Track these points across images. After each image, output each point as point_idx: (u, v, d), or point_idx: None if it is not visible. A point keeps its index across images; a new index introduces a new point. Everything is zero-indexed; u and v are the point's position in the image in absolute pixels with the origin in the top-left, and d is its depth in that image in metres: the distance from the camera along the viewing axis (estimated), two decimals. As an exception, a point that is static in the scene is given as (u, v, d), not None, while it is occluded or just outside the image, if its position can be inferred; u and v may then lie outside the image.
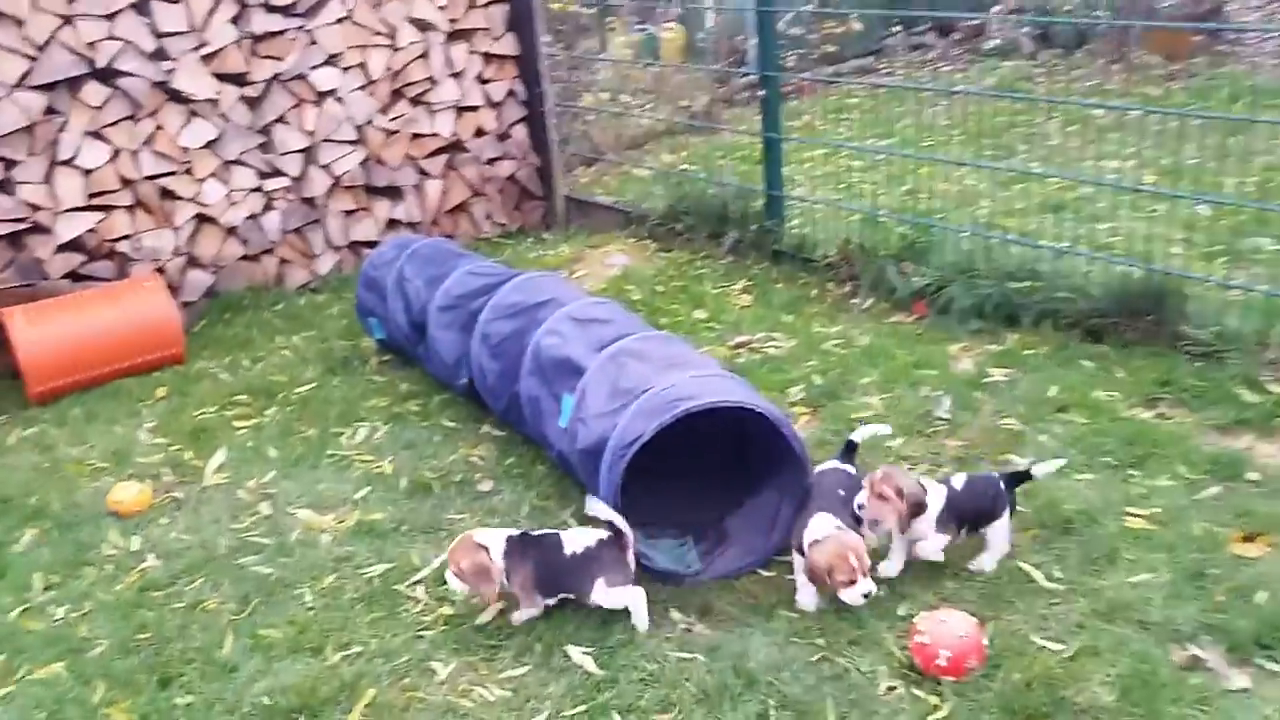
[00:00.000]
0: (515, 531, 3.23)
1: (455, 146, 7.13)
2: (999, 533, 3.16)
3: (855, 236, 5.75)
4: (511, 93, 7.33)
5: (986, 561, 3.17)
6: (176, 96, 5.88)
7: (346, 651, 3.14)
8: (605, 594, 3.06)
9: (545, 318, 4.17)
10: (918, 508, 3.03)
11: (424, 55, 6.81)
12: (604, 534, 3.12)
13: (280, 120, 6.32)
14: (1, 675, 3.15)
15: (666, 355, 3.69)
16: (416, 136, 6.91)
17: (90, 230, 5.71)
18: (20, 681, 3.12)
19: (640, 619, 3.08)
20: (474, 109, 7.15)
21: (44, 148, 5.50)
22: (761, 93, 6.09)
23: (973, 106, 7.40)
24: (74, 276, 5.71)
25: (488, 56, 7.13)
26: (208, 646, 3.20)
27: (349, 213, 6.75)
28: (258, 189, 6.32)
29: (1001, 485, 3.18)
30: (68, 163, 5.59)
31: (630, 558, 3.11)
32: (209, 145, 6.06)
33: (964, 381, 4.45)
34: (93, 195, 5.70)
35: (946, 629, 2.78)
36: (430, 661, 3.07)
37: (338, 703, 2.92)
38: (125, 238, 5.85)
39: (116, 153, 5.74)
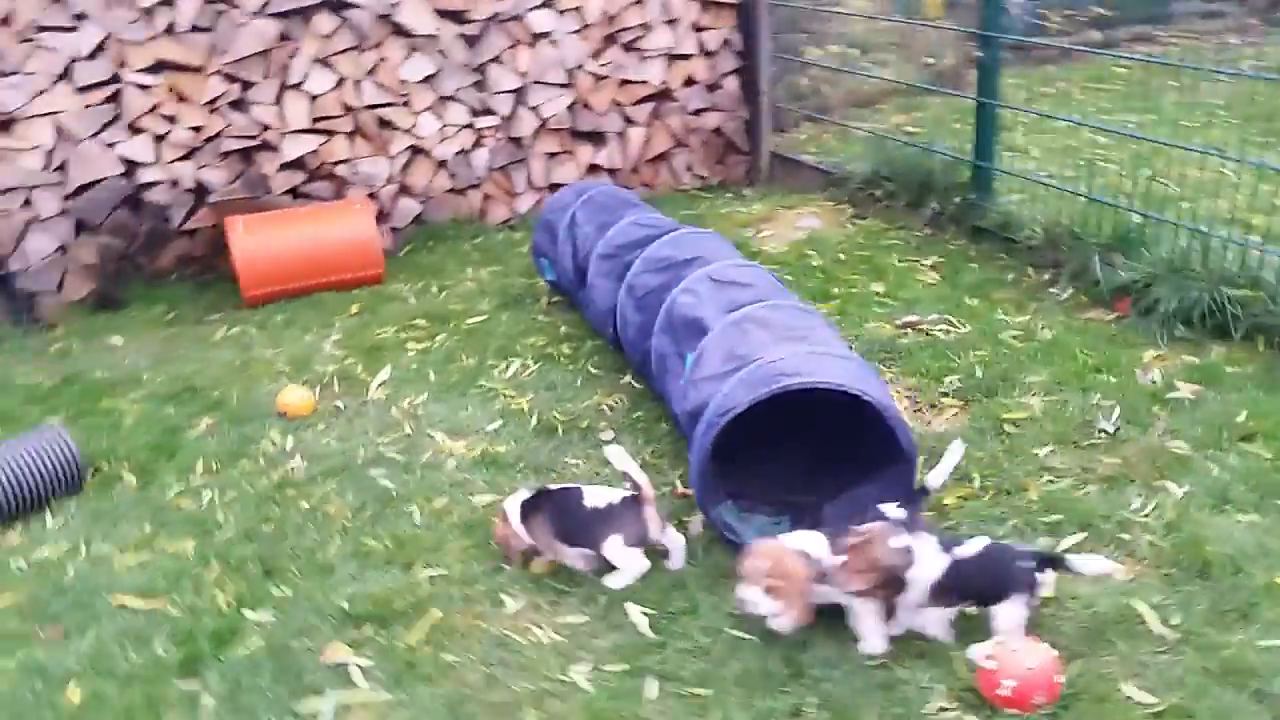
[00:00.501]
0: (529, 492, 3.27)
1: (663, 95, 7.11)
2: (1007, 618, 2.65)
3: (1068, 219, 5.23)
4: (726, 42, 7.20)
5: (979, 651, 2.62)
6: (399, 30, 6.22)
7: (432, 571, 3.28)
8: (617, 551, 3.08)
9: (689, 275, 4.11)
10: (895, 585, 2.66)
11: (640, 1, 6.80)
12: (627, 492, 3.13)
13: (495, 60, 6.54)
14: (143, 543, 3.55)
15: (791, 326, 3.54)
16: (625, 83, 6.95)
17: (312, 152, 6.19)
18: (155, 552, 3.49)
19: (618, 580, 3.11)
20: (686, 57, 7.09)
21: (276, 72, 5.99)
22: (978, 54, 5.63)
23: (1259, 87, 6.50)
24: (294, 193, 6.22)
25: (705, 3, 7.04)
26: (315, 547, 3.45)
27: (552, 155, 6.91)
28: (469, 125, 6.60)
29: (1023, 563, 2.69)
30: (296, 87, 6.06)
31: (648, 516, 3.10)
32: (427, 80, 6.38)
33: (1145, 394, 3.98)
34: (317, 120, 6.15)
35: (1016, 658, 2.52)
36: (503, 594, 3.16)
37: (406, 617, 3.06)
38: (343, 162, 6.30)
39: (341, 81, 6.16)
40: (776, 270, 5.49)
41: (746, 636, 2.87)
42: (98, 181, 5.73)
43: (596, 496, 3.18)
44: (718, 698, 2.66)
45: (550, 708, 2.71)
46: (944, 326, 4.76)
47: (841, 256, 5.76)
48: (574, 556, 3.21)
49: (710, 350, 3.56)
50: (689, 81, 7.16)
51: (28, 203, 5.60)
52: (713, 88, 7.26)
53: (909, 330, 4.79)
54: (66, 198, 5.68)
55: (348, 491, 3.80)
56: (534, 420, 4.24)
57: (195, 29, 5.74)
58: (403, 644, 2.95)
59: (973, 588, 2.70)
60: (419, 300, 5.71)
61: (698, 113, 7.27)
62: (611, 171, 7.10)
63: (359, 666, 2.89)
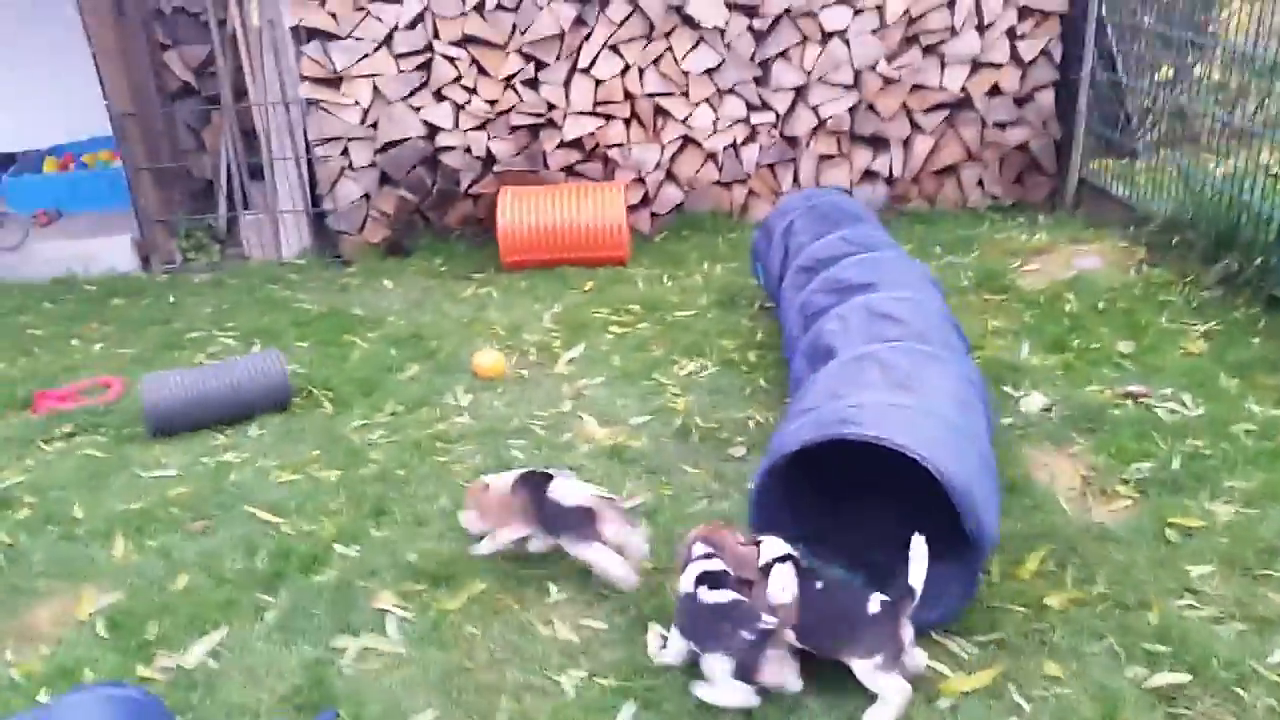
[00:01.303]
0: (522, 470, 3.30)
1: (960, 104, 6.63)
2: (867, 677, 2.58)
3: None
4: (1045, 53, 6.54)
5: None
6: (689, 21, 6.34)
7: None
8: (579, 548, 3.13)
9: (850, 301, 3.88)
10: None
11: (950, 2, 6.37)
12: (604, 491, 3.15)
13: (781, 55, 6.47)
14: (301, 465, 4.04)
15: (911, 374, 3.22)
16: (918, 88, 6.57)
17: (590, 133, 6.52)
18: (305, 474, 3.97)
19: (605, 573, 3.11)
20: (994, 66, 6.54)
21: (568, 54, 6.37)
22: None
23: None
24: (568, 171, 6.61)
25: (1025, 10, 6.43)
26: (422, 500, 3.74)
27: (826, 157, 6.72)
28: (744, 120, 6.60)
29: (878, 607, 2.60)
30: (585, 71, 6.40)
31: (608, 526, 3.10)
32: (708, 72, 6.46)
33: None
34: (598, 103, 6.47)
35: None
36: (551, 583, 3.23)
37: (455, 583, 3.24)
38: (617, 145, 6.57)
39: (626, 68, 6.41)
40: (1020, 310, 5.01)
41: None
42: (403, 141, 6.48)
43: (574, 493, 3.18)
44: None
45: (525, 702, 2.75)
46: (1172, 405, 4.06)
47: (1100, 305, 5.08)
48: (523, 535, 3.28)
49: (819, 383, 3.36)
50: (994, 91, 6.61)
51: (345, 152, 6.47)
52: (1022, 101, 6.65)
53: (1130, 401, 4.14)
54: (376, 152, 6.48)
55: (479, 455, 4.05)
56: (678, 422, 4.23)
57: (501, 8, 6.26)
58: (439, 608, 3.13)
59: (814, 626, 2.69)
60: (646, 286, 5.86)
61: (1000, 126, 6.69)
62: (889, 180, 6.77)
63: (397, 617, 3.11)
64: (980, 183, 6.83)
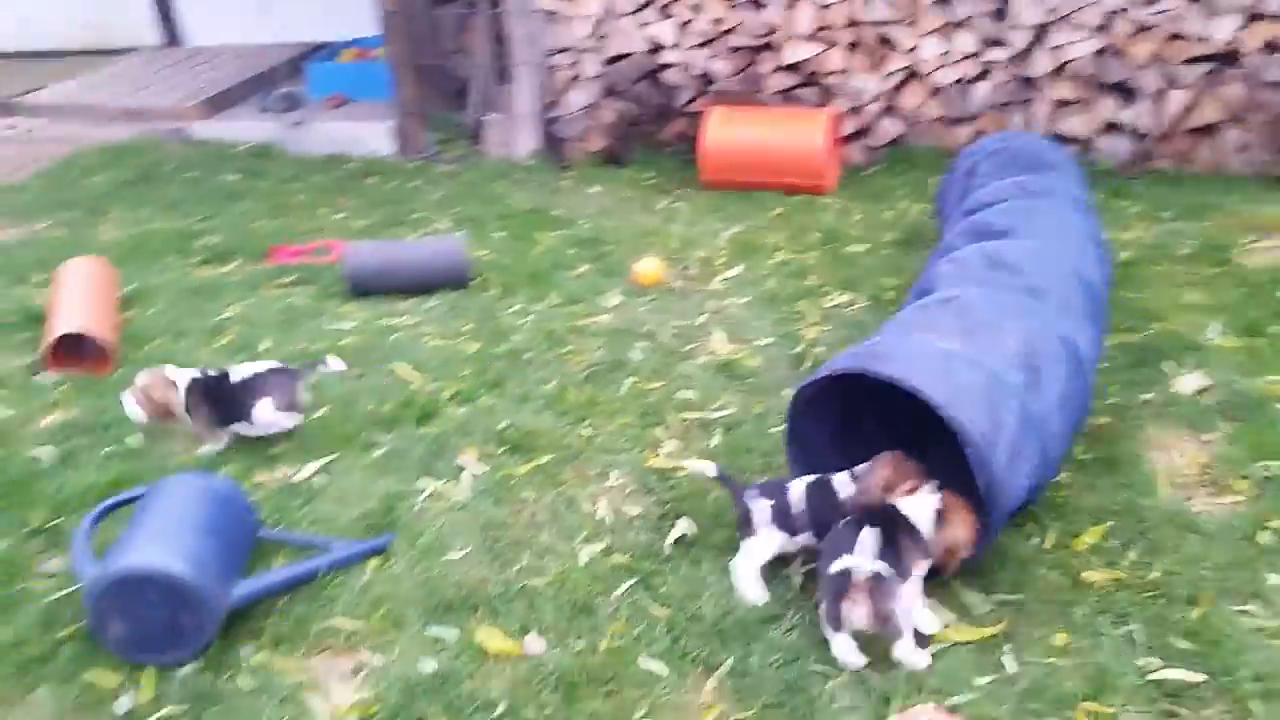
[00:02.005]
0: (198, 373, 3.55)
1: (1226, 57, 5.91)
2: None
3: None
4: (1347, 4, 5.67)
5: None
6: (926, -51, 6.09)
7: (586, 431, 3.72)
8: (269, 415, 3.48)
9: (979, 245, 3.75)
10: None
11: (1231, -61, 5.67)
12: (274, 364, 3.57)
13: (1025, -11, 6.07)
14: (451, 334, 4.54)
15: (984, 323, 3.11)
16: (1176, 37, 5.93)
17: (808, 59, 6.48)
18: (452, 341, 4.46)
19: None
20: (1275, 18, 5.76)
21: (795, -23, 6.33)
22: None
23: None
24: (784, 95, 6.61)
25: (1328, -49, 5.59)
26: (534, 380, 4.09)
27: (1063, 103, 6.26)
28: (975, 55, 6.28)
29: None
30: (810, -4, 6.35)
31: (299, 389, 3.54)
32: (940, 2, 6.19)
33: None
34: (820, 29, 6.40)
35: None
36: (614, 471, 3.49)
37: (527, 454, 3.58)
38: (835, 73, 6.49)
39: (854, -6, 6.29)
40: (1228, 288, 4.56)
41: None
42: (627, 55, 6.76)
43: (242, 371, 3.55)
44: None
45: (542, 561, 3.06)
46: None
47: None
48: (220, 440, 3.61)
49: (898, 321, 3.33)
50: (1270, 47, 5.83)
51: (575, 63, 6.85)
52: (1310, 58, 5.81)
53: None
54: (603, 64, 6.81)
55: (602, 350, 4.34)
56: (799, 350, 4.30)
57: (733, -72, 6.31)
58: (507, 471, 3.49)
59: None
60: (834, 218, 5.83)
61: (1274, 86, 5.91)
62: (1140, 134, 6.20)
63: (472, 473, 3.51)
64: (1244, 148, 6.08)
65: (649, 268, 5.10)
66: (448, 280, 5.03)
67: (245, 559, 2.98)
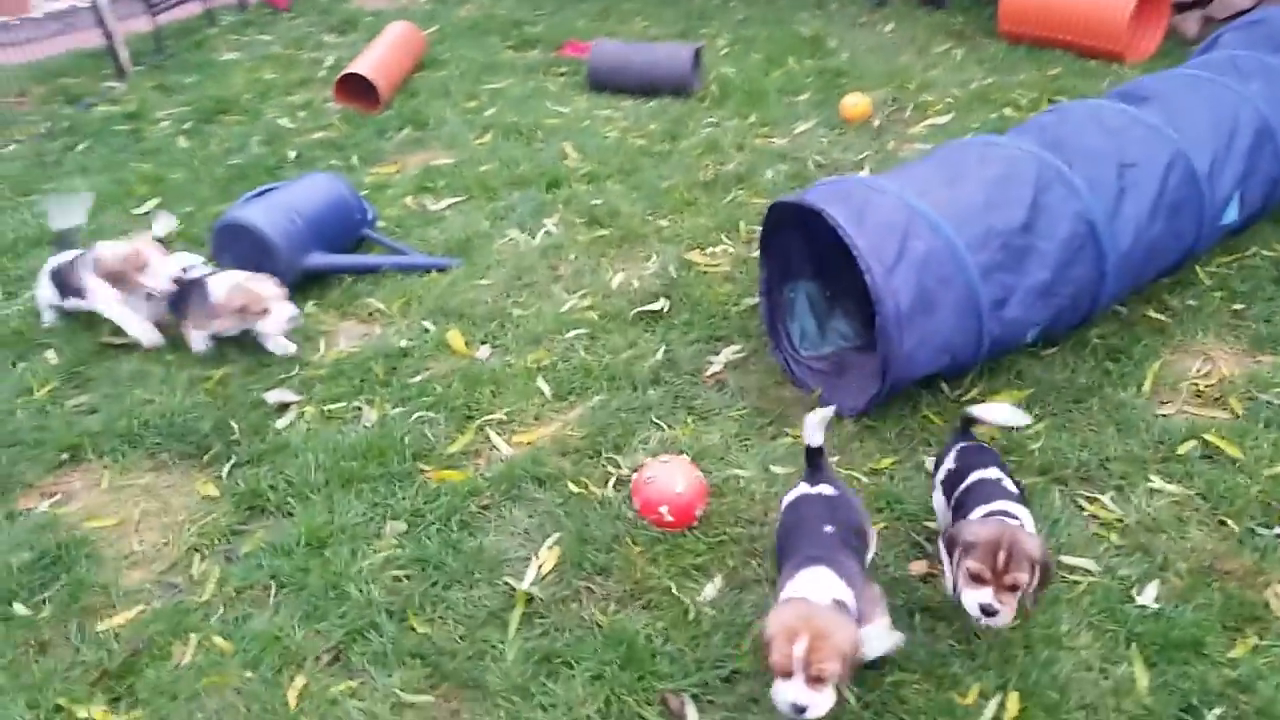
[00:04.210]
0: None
1: None
2: None
3: None
4: None
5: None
6: None
7: (664, 222, 4.12)
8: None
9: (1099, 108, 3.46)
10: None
11: None
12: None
13: None
14: (635, 130, 5.03)
15: (985, 178, 2.98)
16: None
17: (1157, -94, 5.67)
18: (626, 138, 4.96)
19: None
20: None
21: None
22: None
23: None
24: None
25: None
26: (668, 176, 4.51)
27: None
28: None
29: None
30: None
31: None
32: None
33: None
34: None
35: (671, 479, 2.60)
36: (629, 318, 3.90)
37: (595, 225, 4.08)
38: (1187, -75, 5.63)
39: None
40: None
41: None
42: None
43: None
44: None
45: (498, 314, 3.62)
46: None
47: None
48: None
49: (923, 159, 3.28)
50: None
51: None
52: None
53: None
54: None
55: (741, 165, 4.59)
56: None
57: None
58: (572, 237, 4.03)
59: None
60: (1107, 84, 5.28)
61: None
62: None
63: (546, 233, 4.10)
64: None
65: (856, 103, 5.12)
66: (674, 86, 5.47)
67: (344, 244, 3.89)
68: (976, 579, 2.04)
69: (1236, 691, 2.09)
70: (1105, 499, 2.57)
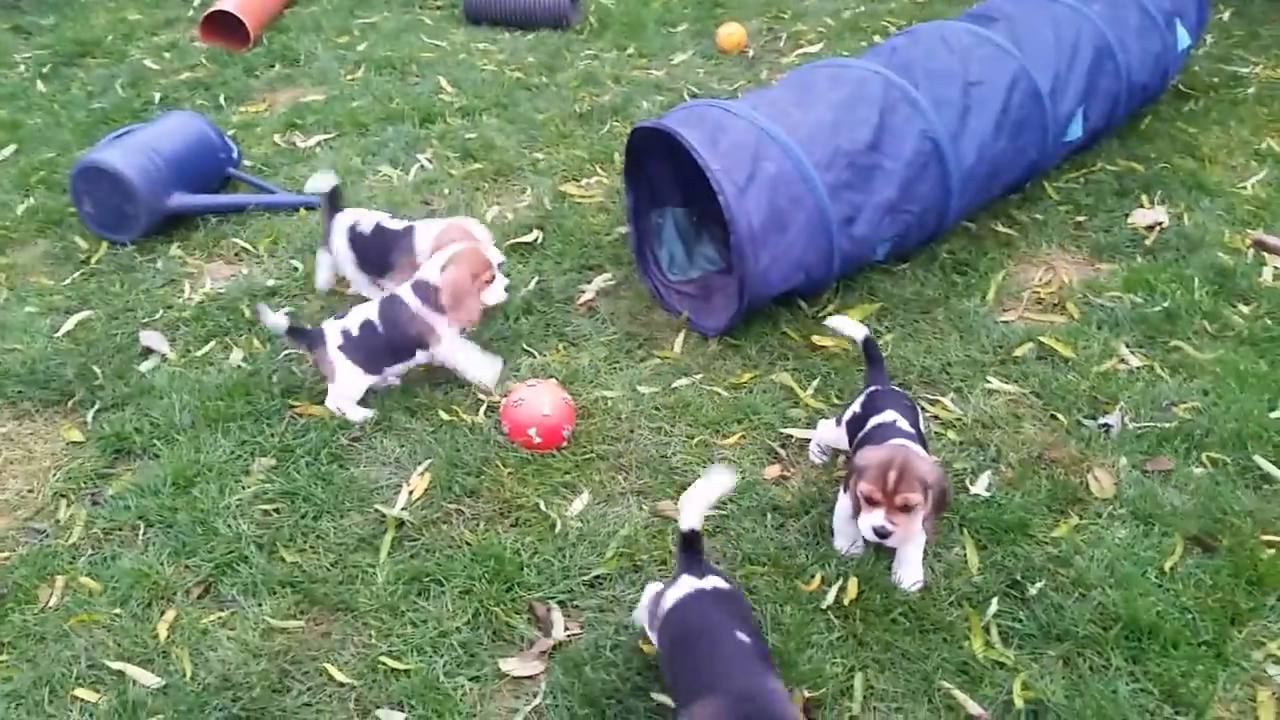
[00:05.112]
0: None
1: None
2: None
3: None
4: None
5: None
6: None
7: (539, 155, 4.13)
8: None
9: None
10: None
11: None
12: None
13: None
14: (511, 63, 5.00)
15: (830, 101, 3.08)
16: None
17: None
18: (500, 69, 4.92)
19: None
20: None
21: None
22: None
23: None
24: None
25: None
26: (541, 108, 4.51)
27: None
28: None
29: None
30: None
31: None
32: None
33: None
34: None
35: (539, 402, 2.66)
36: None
37: (470, 160, 4.07)
38: None
39: None
40: None
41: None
42: None
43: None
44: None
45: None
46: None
47: None
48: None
49: (778, 83, 3.35)
50: None
51: None
52: None
53: (1258, 253, 3.26)
54: None
55: (619, 96, 4.61)
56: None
57: None
58: (447, 171, 4.02)
59: None
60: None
61: None
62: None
63: (420, 168, 4.08)
64: None
65: (731, 33, 5.17)
66: (552, 19, 5.42)
67: (208, 184, 3.81)
68: (869, 501, 2.10)
69: (1057, 566, 2.27)
70: (946, 400, 2.73)
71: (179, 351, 3.09)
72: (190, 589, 2.34)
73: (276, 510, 2.52)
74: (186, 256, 3.56)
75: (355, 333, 2.76)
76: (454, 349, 2.82)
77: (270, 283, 3.37)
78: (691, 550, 1.94)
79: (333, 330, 2.77)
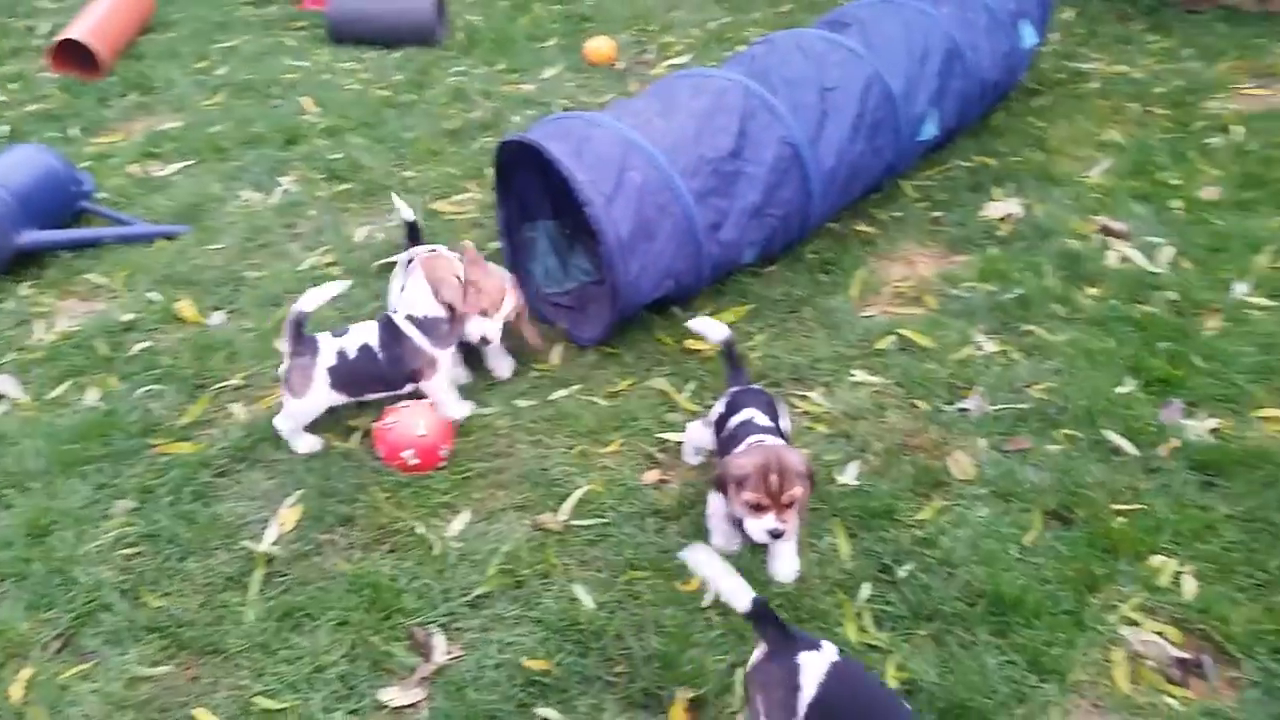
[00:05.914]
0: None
1: None
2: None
3: None
4: None
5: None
6: None
7: (408, 173, 4.08)
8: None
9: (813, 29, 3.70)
10: None
11: None
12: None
13: None
14: (378, 83, 4.94)
15: (691, 111, 3.11)
16: None
17: None
18: (369, 90, 4.87)
19: None
20: None
21: None
22: None
23: None
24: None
25: None
26: (401, 128, 4.45)
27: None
28: None
29: None
30: None
31: None
32: None
33: None
34: None
35: (412, 424, 2.62)
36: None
37: (336, 180, 4.00)
38: None
39: None
40: (1168, 132, 4.23)
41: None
42: None
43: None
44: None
45: (231, 280, 3.52)
46: (1152, 250, 3.30)
47: None
48: None
49: (642, 93, 3.40)
50: None
51: None
52: None
53: (1105, 237, 3.43)
54: None
55: (490, 112, 4.59)
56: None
57: None
58: (311, 193, 3.93)
59: None
60: (832, 19, 5.58)
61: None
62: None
63: (283, 191, 3.98)
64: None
65: (600, 46, 5.20)
66: (418, 35, 5.37)
67: (59, 220, 3.65)
68: (757, 508, 2.13)
69: (924, 548, 2.34)
70: (814, 395, 2.80)
71: (32, 394, 2.94)
72: (48, 643, 2.23)
73: (139, 554, 2.42)
74: (38, 295, 3.40)
75: (351, 355, 2.65)
76: (441, 385, 2.74)
77: (127, 317, 3.24)
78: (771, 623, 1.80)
79: (328, 346, 2.64)
